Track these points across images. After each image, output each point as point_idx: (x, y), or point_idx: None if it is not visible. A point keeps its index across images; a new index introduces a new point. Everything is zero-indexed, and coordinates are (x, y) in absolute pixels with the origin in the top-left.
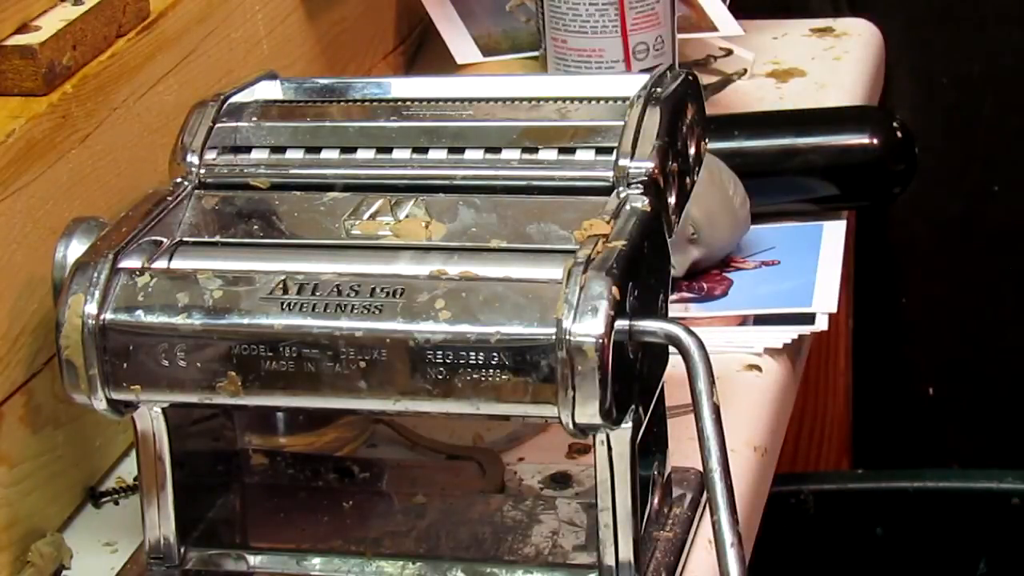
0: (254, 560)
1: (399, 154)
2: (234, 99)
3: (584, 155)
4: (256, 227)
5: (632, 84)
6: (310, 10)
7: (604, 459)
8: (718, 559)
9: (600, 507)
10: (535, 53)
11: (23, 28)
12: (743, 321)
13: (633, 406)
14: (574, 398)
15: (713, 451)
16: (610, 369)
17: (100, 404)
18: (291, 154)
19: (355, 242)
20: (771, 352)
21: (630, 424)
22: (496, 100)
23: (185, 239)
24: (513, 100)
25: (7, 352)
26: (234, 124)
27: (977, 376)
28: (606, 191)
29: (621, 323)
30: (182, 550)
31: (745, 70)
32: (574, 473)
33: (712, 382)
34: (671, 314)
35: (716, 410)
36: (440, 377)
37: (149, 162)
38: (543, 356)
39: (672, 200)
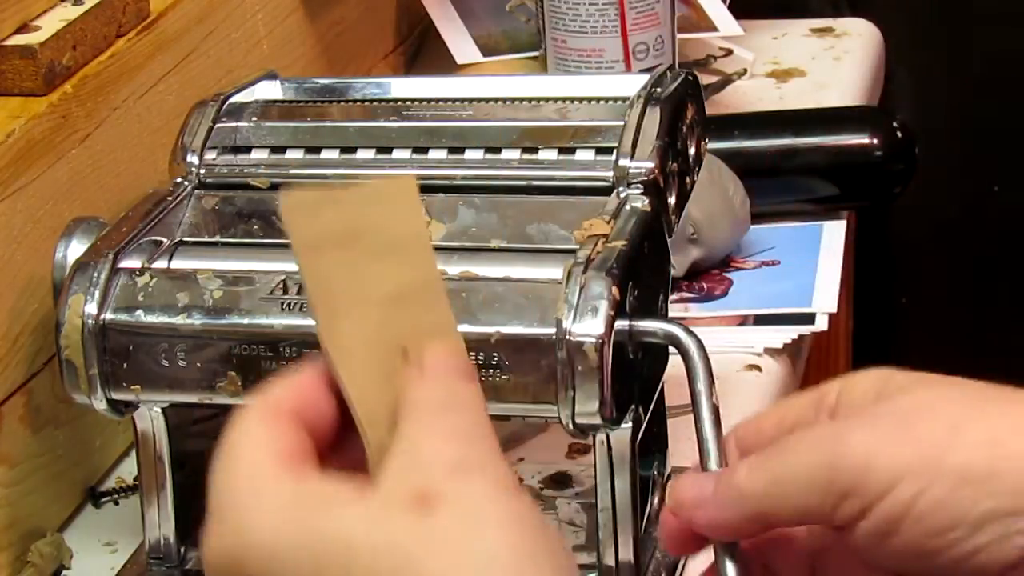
0: None
1: (399, 154)
2: (234, 99)
3: (584, 155)
4: (256, 227)
5: (632, 84)
6: (310, 10)
7: (604, 459)
8: (715, 560)
9: (600, 507)
10: (535, 53)
11: (23, 28)
12: (743, 321)
13: (633, 406)
14: (574, 398)
15: (712, 452)
16: (610, 369)
17: (100, 404)
18: (291, 154)
19: None
20: (771, 352)
21: (630, 424)
22: (496, 100)
23: (185, 239)
24: (513, 100)
25: (7, 352)
26: (234, 124)
27: (977, 376)
28: (606, 191)
29: (621, 323)
30: (182, 550)
31: (745, 70)
32: (574, 473)
33: (712, 382)
34: (671, 314)
35: (716, 410)
36: None
37: (149, 162)
38: (543, 356)
39: (672, 200)
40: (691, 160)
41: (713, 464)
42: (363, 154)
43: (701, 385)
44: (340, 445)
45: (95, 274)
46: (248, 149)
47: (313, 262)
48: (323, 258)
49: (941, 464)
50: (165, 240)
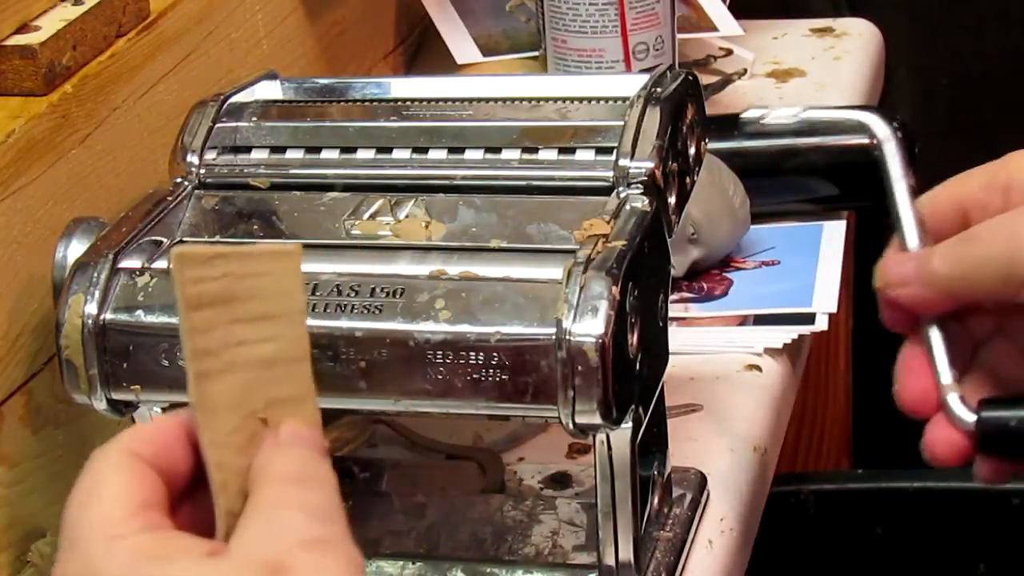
0: None
1: (399, 154)
2: (234, 99)
3: (584, 155)
4: (256, 227)
5: (632, 84)
6: (310, 10)
7: (604, 459)
8: (921, 326)
9: (600, 507)
10: (535, 53)
11: (23, 28)
12: (743, 321)
13: (633, 406)
14: (574, 398)
15: (909, 231)
16: (610, 369)
17: (100, 404)
18: (291, 154)
19: (355, 242)
20: (771, 352)
21: (630, 424)
22: (496, 100)
23: (185, 239)
24: (513, 100)
25: (7, 352)
26: (234, 124)
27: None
28: (606, 191)
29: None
30: None
31: (745, 70)
32: (574, 473)
33: (907, 165)
34: (671, 314)
35: (912, 190)
36: (440, 377)
37: (149, 162)
38: (543, 356)
39: (672, 200)
40: (691, 160)
41: (911, 243)
42: (363, 154)
43: (895, 169)
44: (189, 500)
45: (95, 274)
46: (248, 149)
47: (193, 319)
48: (203, 316)
49: None
50: (165, 240)
